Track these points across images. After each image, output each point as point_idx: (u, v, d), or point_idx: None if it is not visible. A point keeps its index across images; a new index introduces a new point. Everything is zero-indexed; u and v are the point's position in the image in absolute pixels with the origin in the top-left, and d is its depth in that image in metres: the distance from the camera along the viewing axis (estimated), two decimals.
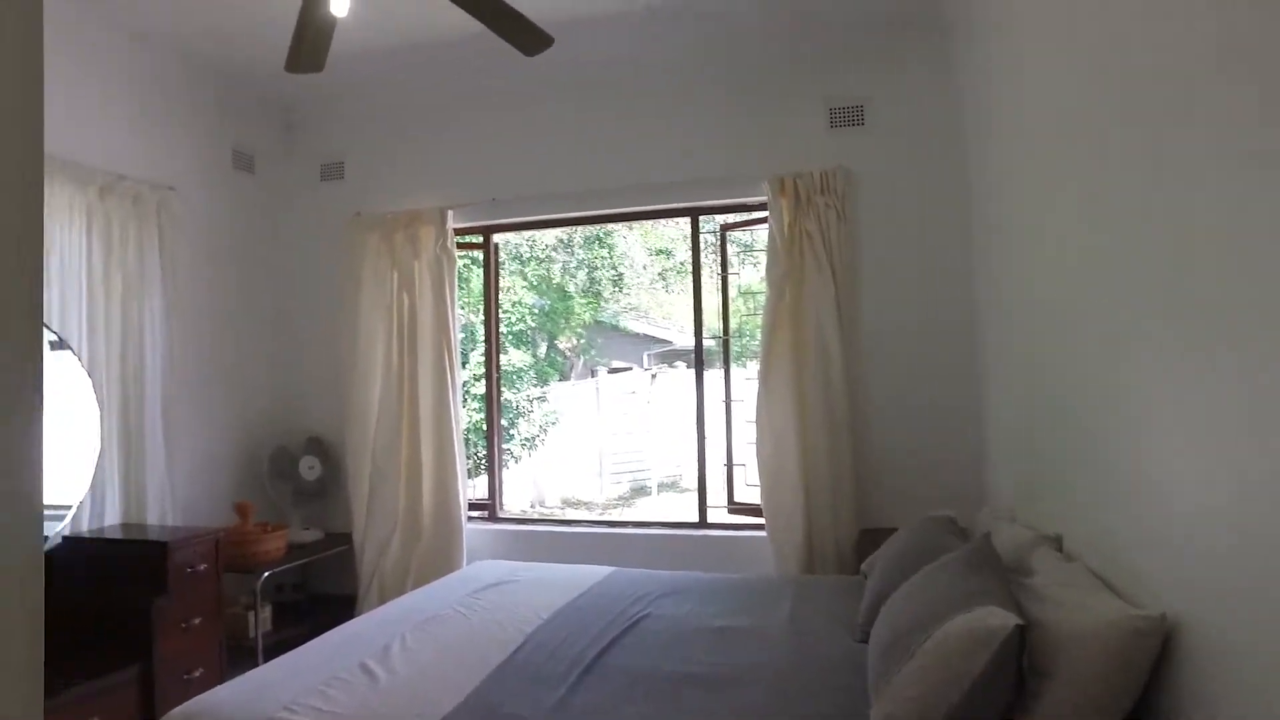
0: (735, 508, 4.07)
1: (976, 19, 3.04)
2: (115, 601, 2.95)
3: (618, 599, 2.75)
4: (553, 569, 3.22)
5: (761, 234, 4.15)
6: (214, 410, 4.00)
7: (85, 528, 3.23)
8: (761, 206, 3.86)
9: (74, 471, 3.18)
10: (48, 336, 3.10)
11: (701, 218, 4.14)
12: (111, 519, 3.33)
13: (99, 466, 3.27)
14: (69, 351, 3.17)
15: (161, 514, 3.50)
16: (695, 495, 4.15)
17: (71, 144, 3.29)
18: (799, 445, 3.64)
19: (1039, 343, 2.35)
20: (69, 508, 3.13)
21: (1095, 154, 1.78)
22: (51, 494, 3.13)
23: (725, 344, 4.13)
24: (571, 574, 3.12)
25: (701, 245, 4.20)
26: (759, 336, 3.79)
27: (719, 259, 4.23)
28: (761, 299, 3.81)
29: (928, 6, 3.49)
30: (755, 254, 4.63)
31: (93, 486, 3.25)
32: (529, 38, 2.59)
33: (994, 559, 1.81)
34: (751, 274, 4.80)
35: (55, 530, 3.06)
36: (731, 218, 4.15)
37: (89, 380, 3.24)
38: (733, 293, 4.23)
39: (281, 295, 4.47)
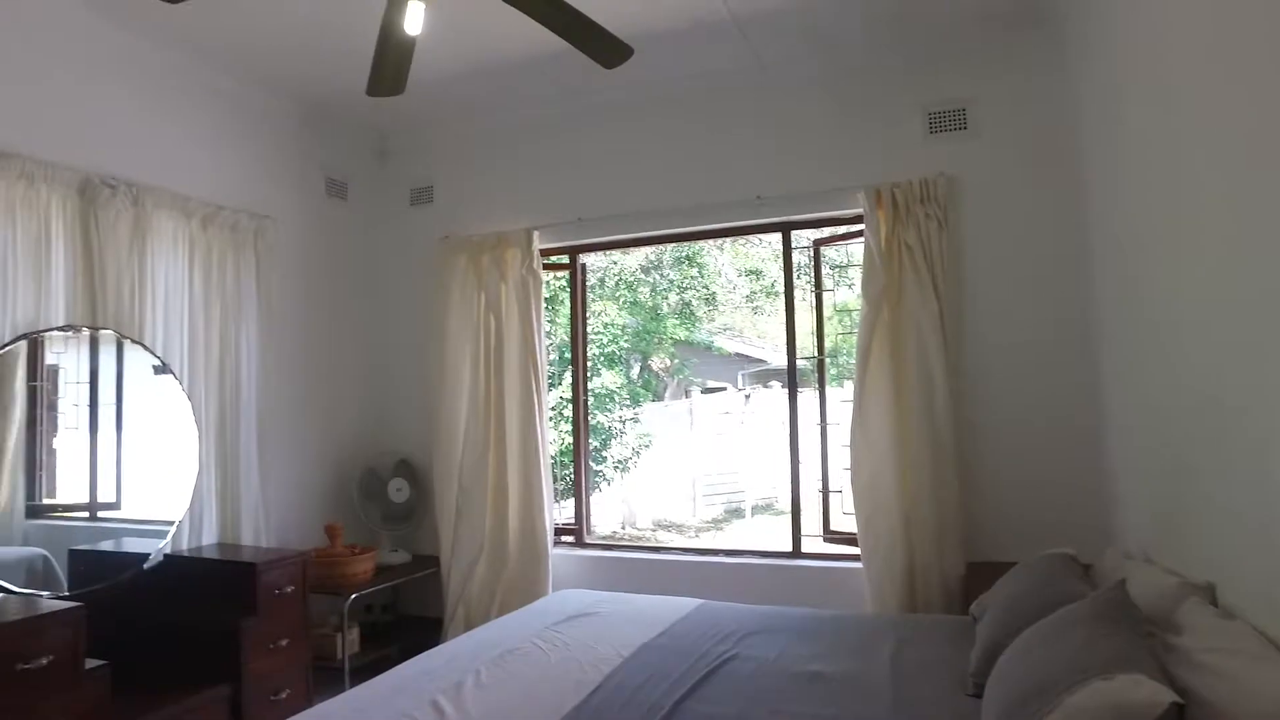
0: (831, 536, 3.84)
1: (1098, 5, 2.77)
2: (208, 620, 2.99)
3: (703, 636, 2.59)
4: (637, 601, 3.09)
5: (856, 250, 3.94)
6: (306, 432, 4.08)
7: (185, 546, 3.32)
8: (856, 220, 3.66)
9: (176, 491, 3.27)
10: (152, 361, 3.21)
11: (793, 233, 3.97)
12: (209, 538, 3.41)
13: (197, 487, 3.36)
14: (171, 376, 3.27)
15: (256, 534, 3.56)
16: (787, 523, 3.94)
17: (176, 177, 3.42)
18: (898, 471, 3.40)
19: (1186, 354, 2.04)
20: (171, 525, 3.22)
21: (1260, 145, 1.53)
22: (156, 512, 3.23)
23: (820, 364, 3.93)
24: (656, 607, 2.97)
25: (794, 262, 4.02)
26: (854, 355, 3.58)
27: (812, 276, 4.03)
28: (857, 317, 3.60)
29: None
30: (850, 270, 4.41)
31: (191, 506, 3.33)
32: (607, 49, 2.51)
33: (1132, 612, 1.56)
34: (846, 292, 4.58)
35: (157, 548, 3.14)
36: (824, 232, 3.95)
37: (189, 403, 3.33)
38: (827, 311, 4.02)
39: (372, 319, 4.54)
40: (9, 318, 2.80)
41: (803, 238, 4.18)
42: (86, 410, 3.09)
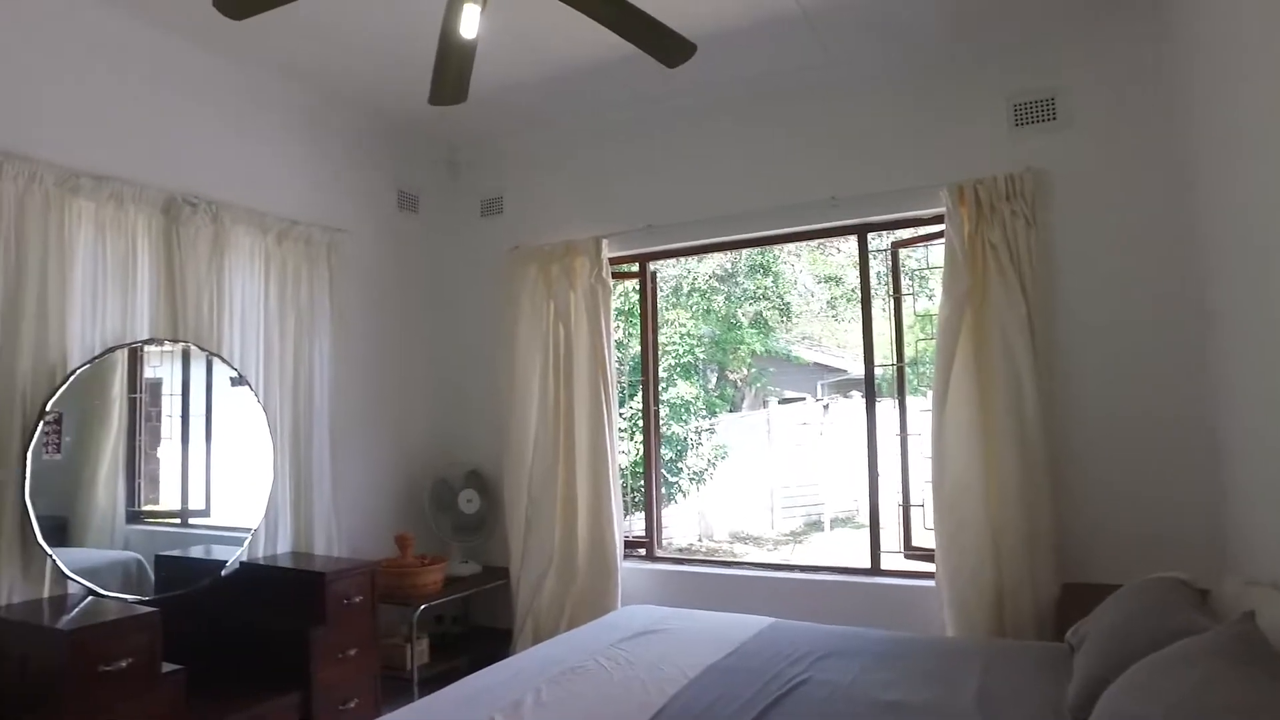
0: (913, 553, 3.64)
1: None
2: (280, 628, 3.03)
3: (775, 658, 2.46)
4: (706, 618, 2.98)
5: (935, 253, 3.74)
6: (378, 443, 4.12)
7: (260, 554, 3.38)
8: (936, 220, 3.48)
9: (253, 500, 3.34)
10: (229, 373, 3.29)
11: (870, 235, 3.80)
12: (284, 547, 3.47)
13: (272, 496, 3.42)
14: (247, 387, 3.35)
15: (328, 543, 3.61)
16: (867, 537, 3.76)
17: (253, 193, 3.51)
18: (984, 483, 3.20)
19: None
20: (249, 533, 3.29)
21: None
22: (236, 520, 3.31)
23: (899, 372, 3.74)
24: (726, 625, 2.86)
25: (870, 266, 3.85)
26: (935, 362, 3.39)
27: (890, 280, 3.86)
28: (937, 322, 3.41)
29: None
30: (929, 277, 4.20)
31: (267, 515, 3.40)
32: (669, 46, 2.43)
33: (1262, 650, 1.37)
34: (925, 301, 4.37)
35: (234, 555, 3.21)
36: (903, 234, 3.77)
37: (264, 414, 3.40)
38: (907, 318, 3.83)
39: (443, 330, 4.58)
40: (99, 332, 2.92)
41: (880, 240, 4.02)
42: (179, 421, 3.20)
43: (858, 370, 10.43)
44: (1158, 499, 3.02)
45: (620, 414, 4.36)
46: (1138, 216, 3.13)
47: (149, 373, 3.10)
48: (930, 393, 3.39)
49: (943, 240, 3.41)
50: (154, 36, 3.19)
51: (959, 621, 3.19)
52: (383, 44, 3.38)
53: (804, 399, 10.87)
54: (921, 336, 3.91)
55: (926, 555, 3.51)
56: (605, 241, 4.12)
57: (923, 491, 3.52)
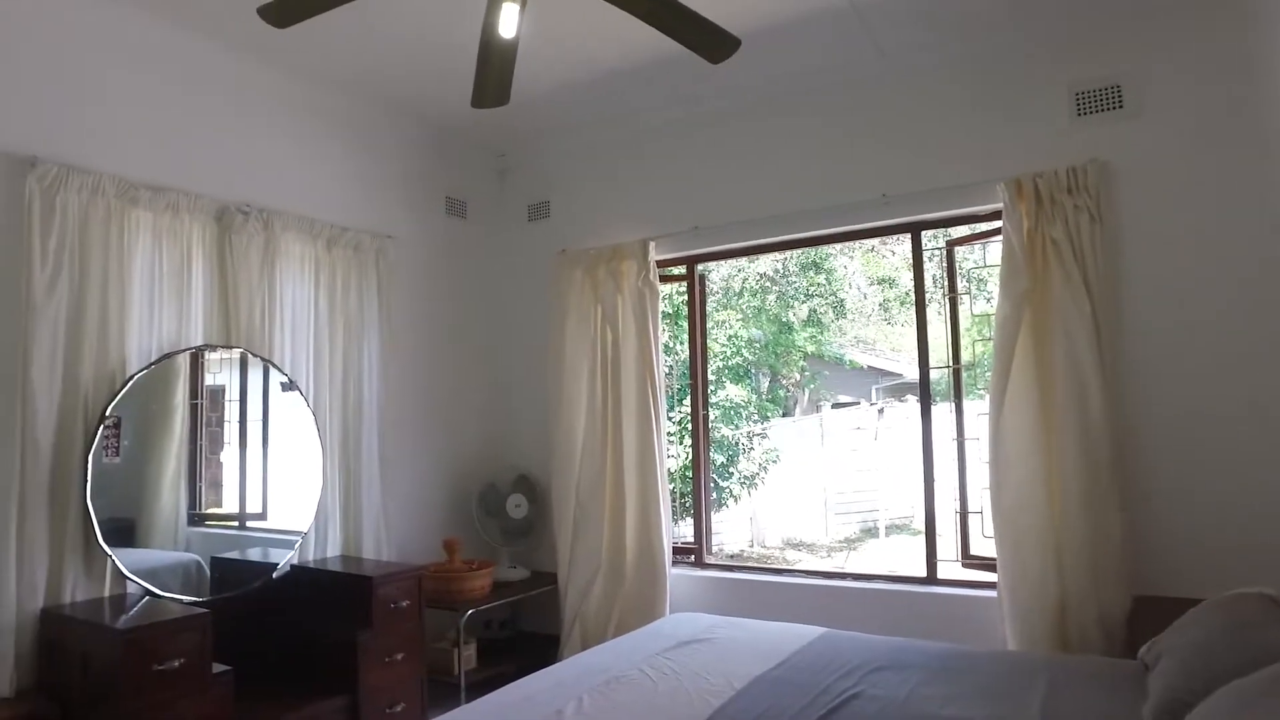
0: (970, 562, 3.51)
1: None
2: (328, 631, 3.06)
3: (825, 670, 2.38)
4: (754, 627, 2.90)
5: (993, 250, 3.61)
6: (427, 448, 4.14)
7: (311, 557, 3.42)
8: (994, 216, 3.35)
9: (304, 504, 3.38)
10: (279, 378, 3.34)
11: (925, 233, 3.68)
12: (333, 550, 3.51)
13: (322, 500, 3.46)
14: (297, 392, 3.40)
15: (377, 548, 3.64)
16: (923, 544, 3.64)
17: (303, 201, 3.57)
18: (1048, 490, 3.06)
19: None
20: (300, 536, 3.32)
21: None
22: (289, 523, 3.35)
23: (955, 374, 3.61)
24: (775, 634, 2.78)
25: (925, 265, 3.73)
26: (992, 364, 3.25)
27: (945, 280, 3.73)
28: (994, 323, 3.28)
29: None
30: (988, 271, 4.06)
31: (317, 519, 3.44)
32: (713, 42, 2.38)
33: None
34: (981, 303, 4.23)
35: (285, 558, 3.25)
36: (959, 231, 3.64)
37: (314, 419, 3.44)
38: (963, 319, 3.70)
39: (491, 335, 4.59)
40: (155, 338, 2.99)
41: (935, 239, 3.89)
42: (237, 426, 3.26)
43: (912, 374, 10.21)
44: (1238, 507, 2.85)
45: (669, 418, 4.31)
46: (1211, 210, 2.96)
47: (208, 379, 3.17)
48: (988, 396, 3.26)
49: (1000, 238, 3.27)
50: (205, 48, 3.26)
51: (1021, 634, 3.06)
52: (428, 51, 3.40)
53: (858, 403, 10.66)
54: (978, 338, 3.76)
55: (985, 564, 3.37)
56: (652, 244, 4.07)
57: (981, 498, 3.39)
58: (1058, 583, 2.99)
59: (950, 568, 3.55)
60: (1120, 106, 3.13)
